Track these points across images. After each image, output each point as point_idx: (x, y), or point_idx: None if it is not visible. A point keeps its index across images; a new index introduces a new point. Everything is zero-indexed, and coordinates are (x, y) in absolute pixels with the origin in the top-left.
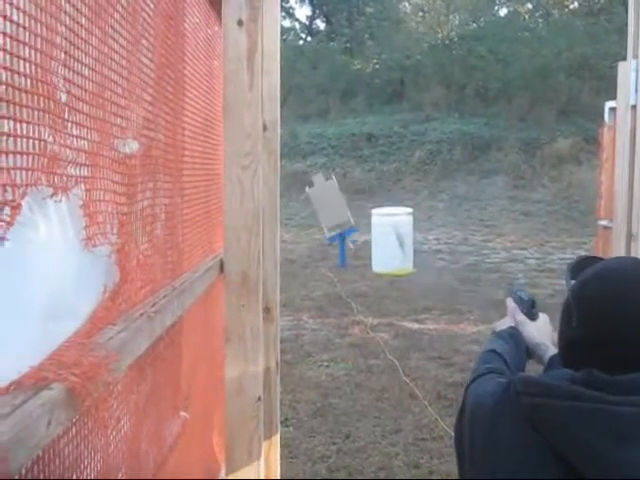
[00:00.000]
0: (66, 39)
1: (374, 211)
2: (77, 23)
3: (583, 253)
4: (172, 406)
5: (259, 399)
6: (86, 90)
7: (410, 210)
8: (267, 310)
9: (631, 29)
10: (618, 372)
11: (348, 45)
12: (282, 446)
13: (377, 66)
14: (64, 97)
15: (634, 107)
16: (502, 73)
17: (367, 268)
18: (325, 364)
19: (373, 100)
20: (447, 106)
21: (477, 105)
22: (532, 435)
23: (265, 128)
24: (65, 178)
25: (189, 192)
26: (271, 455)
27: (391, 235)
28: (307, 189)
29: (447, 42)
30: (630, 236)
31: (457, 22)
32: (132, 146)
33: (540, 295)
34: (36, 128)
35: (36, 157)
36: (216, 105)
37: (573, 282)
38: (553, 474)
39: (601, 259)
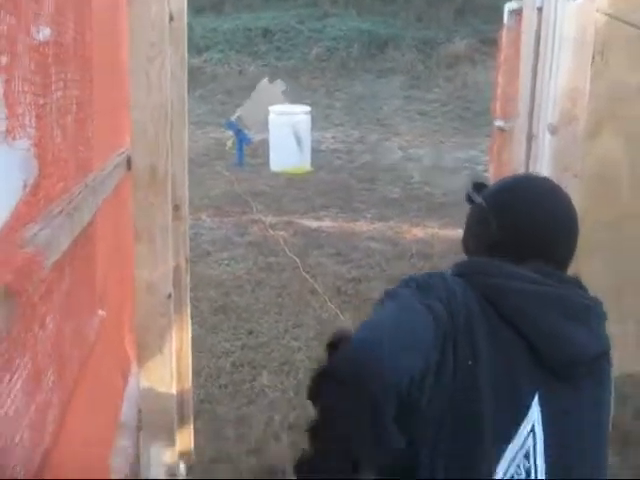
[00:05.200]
0: None
1: (271, 109)
2: None
3: (475, 153)
4: (91, 304)
5: (169, 296)
6: None
7: (308, 109)
8: (176, 208)
9: None
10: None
11: None
12: None
13: None
14: None
15: (540, 9)
16: None
17: (265, 167)
18: (225, 262)
19: None
20: (345, 3)
21: (375, 3)
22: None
23: (172, 18)
24: None
25: (97, 84)
26: (183, 350)
27: (289, 134)
28: (266, 79)
29: None
30: (531, 136)
31: None
32: (45, 32)
33: (435, 194)
34: None
35: None
36: None
37: (476, 195)
38: (514, 349)
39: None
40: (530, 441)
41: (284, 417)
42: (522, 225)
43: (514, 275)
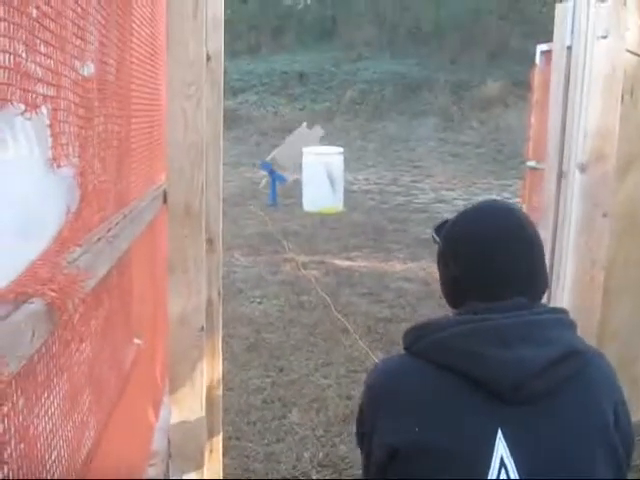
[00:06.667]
0: None
1: (305, 150)
2: None
3: (507, 195)
4: (127, 333)
5: (202, 329)
6: (52, 7)
7: (341, 150)
8: (210, 242)
9: None
10: (494, 301)
11: None
12: None
13: (309, 1)
14: (34, 12)
15: (569, 48)
16: (435, 14)
17: (298, 207)
18: (257, 300)
19: (304, 37)
20: (379, 45)
21: (409, 45)
22: (439, 372)
23: (209, 58)
24: (34, 96)
25: (135, 121)
26: (214, 384)
27: (322, 174)
28: (304, 124)
29: None
30: (561, 174)
31: None
32: (90, 68)
33: None
34: (11, 42)
35: (10, 72)
36: (159, 34)
37: (436, 235)
38: (464, 395)
39: None
40: (503, 476)
41: (313, 455)
42: (470, 256)
43: (442, 326)
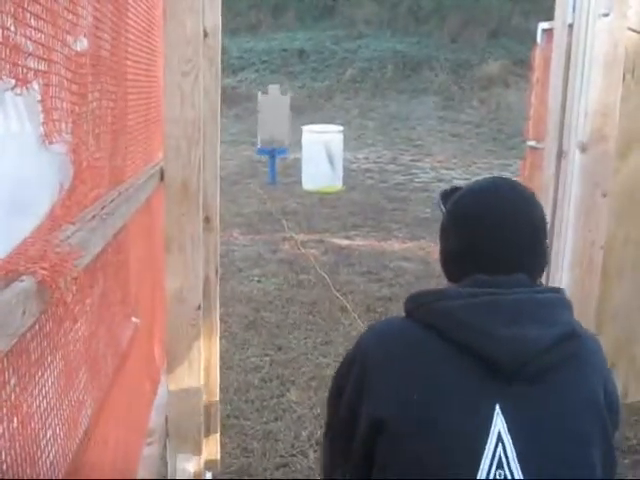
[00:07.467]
0: None
1: (305, 128)
2: None
3: (507, 174)
4: (124, 311)
5: (199, 307)
6: None
7: (341, 128)
8: (207, 220)
9: None
10: (497, 274)
11: None
12: None
13: None
14: None
15: (571, 26)
16: None
17: (297, 185)
18: (256, 279)
19: (304, 15)
20: (379, 23)
21: (409, 23)
22: (441, 342)
23: (206, 35)
24: (25, 70)
25: (131, 97)
26: (211, 363)
27: (321, 153)
28: (260, 95)
29: None
30: (561, 153)
31: None
32: (82, 43)
33: None
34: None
35: None
36: (155, 9)
37: (442, 203)
38: (464, 368)
39: None
40: (500, 450)
41: (311, 433)
42: (474, 229)
43: (449, 295)
